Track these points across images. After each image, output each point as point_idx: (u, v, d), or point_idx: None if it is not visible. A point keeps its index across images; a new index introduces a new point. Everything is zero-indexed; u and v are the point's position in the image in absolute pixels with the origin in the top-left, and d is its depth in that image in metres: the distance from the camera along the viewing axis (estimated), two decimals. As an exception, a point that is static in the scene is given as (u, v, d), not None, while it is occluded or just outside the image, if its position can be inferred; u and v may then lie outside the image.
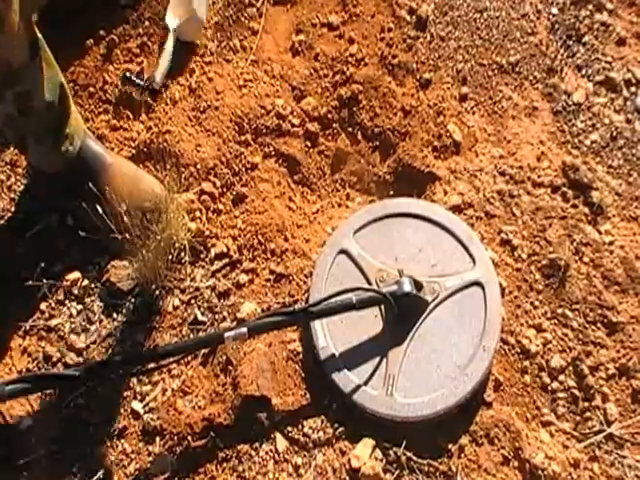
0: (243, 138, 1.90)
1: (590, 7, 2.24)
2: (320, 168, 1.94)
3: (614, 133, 2.06)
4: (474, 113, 2.03)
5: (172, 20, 1.98)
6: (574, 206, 1.91)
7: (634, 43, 2.21)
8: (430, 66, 2.08)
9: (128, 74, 1.89)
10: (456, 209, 1.89)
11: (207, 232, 1.76)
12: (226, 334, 1.49)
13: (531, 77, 2.10)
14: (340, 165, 1.95)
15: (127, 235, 1.58)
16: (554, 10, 2.23)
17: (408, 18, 2.14)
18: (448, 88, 2.05)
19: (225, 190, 1.85)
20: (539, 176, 1.96)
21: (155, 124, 1.89)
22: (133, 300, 1.69)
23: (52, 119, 1.60)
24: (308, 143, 1.94)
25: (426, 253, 1.77)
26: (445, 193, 1.91)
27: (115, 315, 1.69)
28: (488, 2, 2.21)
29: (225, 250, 1.76)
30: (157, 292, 1.69)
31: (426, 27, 2.14)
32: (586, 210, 1.91)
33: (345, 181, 1.95)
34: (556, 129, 2.05)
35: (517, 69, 2.10)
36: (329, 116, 1.97)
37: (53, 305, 1.71)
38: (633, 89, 2.12)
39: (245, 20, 2.08)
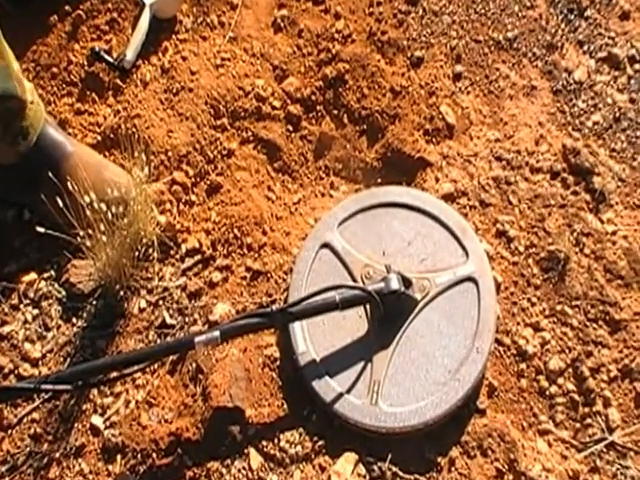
0: (219, 122, 1.68)
1: (592, -21, 2.00)
2: (302, 154, 1.71)
3: (617, 114, 1.85)
4: (469, 93, 1.80)
5: (147, -5, 1.75)
6: (575, 193, 1.70)
7: (638, 17, 1.98)
8: (422, 43, 1.86)
9: (97, 48, 1.66)
10: (448, 198, 1.68)
11: (178, 226, 1.55)
12: (196, 339, 1.30)
13: (530, 54, 1.87)
14: (324, 151, 1.73)
15: (89, 231, 1.37)
16: (554, -18, 1.98)
17: (399, -9, 1.90)
18: (441, 67, 1.83)
19: (199, 180, 1.63)
20: (537, 161, 1.74)
21: (124, 107, 1.67)
22: (95, 302, 1.48)
23: (2, 112, 1.38)
24: (290, 127, 1.72)
25: (416, 246, 1.56)
26: (437, 180, 1.70)
27: (75, 320, 1.49)
28: (485, -27, 1.97)
29: (197, 246, 1.55)
30: (121, 293, 1.48)
31: (418, 1, 1.91)
32: (587, 197, 1.70)
33: (329, 168, 1.73)
34: (556, 110, 1.82)
35: (515, 45, 1.87)
36: (313, 98, 1.75)
37: (6, 310, 1.50)
38: (637, 66, 1.90)
39: (224, -6, 1.84)
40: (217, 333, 1.32)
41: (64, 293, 1.49)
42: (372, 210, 1.63)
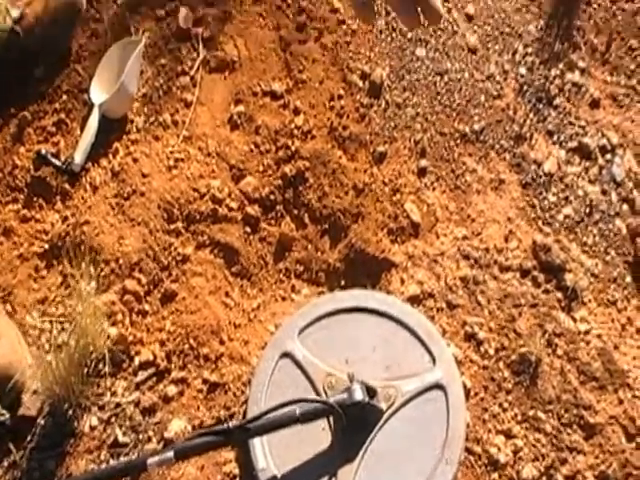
0: (173, 227, 1.86)
1: (561, 66, 2.24)
2: (261, 257, 1.89)
3: (589, 206, 2.05)
4: (434, 189, 2.00)
5: (97, 94, 1.95)
6: (546, 291, 1.88)
7: (608, 105, 2.20)
8: (385, 137, 2.06)
9: (44, 151, 1.84)
10: (414, 300, 1.85)
11: (130, 338, 1.70)
12: (149, 460, 1.42)
13: (497, 146, 2.08)
14: (284, 253, 1.91)
15: (34, 348, 1.51)
16: (522, 70, 2.22)
17: (360, 84, 2.12)
18: (405, 162, 2.03)
19: (152, 288, 1.80)
20: (507, 258, 1.92)
21: (72, 214, 1.84)
22: (43, 421, 1.61)
23: None
24: (248, 229, 1.90)
25: (381, 353, 1.72)
26: (402, 282, 1.87)
27: (21, 440, 1.62)
28: (449, 63, 2.20)
29: (151, 358, 1.71)
30: (71, 411, 1.62)
31: (380, 93, 2.11)
32: (559, 295, 1.88)
33: (290, 271, 1.90)
34: (525, 204, 2.02)
35: (482, 137, 2.08)
36: (272, 197, 1.93)
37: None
38: (608, 156, 2.11)
39: (177, 91, 2.05)
40: (171, 454, 1.44)
41: (7, 415, 1.62)
42: (334, 316, 1.79)
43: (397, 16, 0.70)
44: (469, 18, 2.27)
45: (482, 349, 1.82)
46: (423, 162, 2.06)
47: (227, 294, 1.84)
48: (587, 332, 1.86)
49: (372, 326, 1.77)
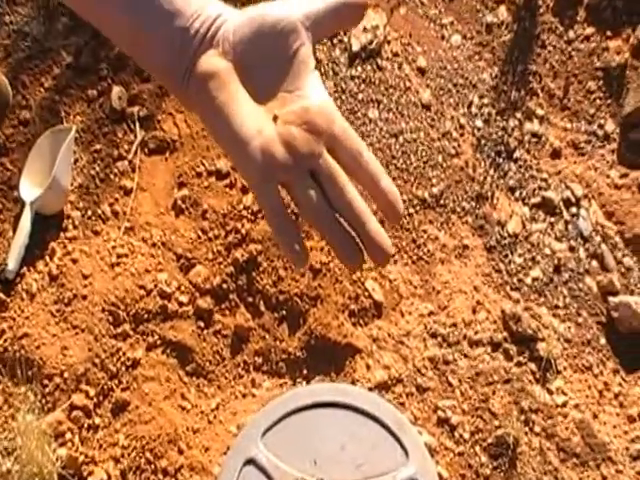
0: (120, 330, 1.84)
1: (519, 115, 2.25)
2: (217, 352, 1.87)
3: (557, 266, 2.06)
4: (396, 262, 2.00)
5: (28, 191, 1.92)
6: (519, 364, 1.88)
7: (570, 153, 2.22)
8: (338, 210, 2.02)
9: (-27, 259, 1.82)
10: (382, 387, 1.84)
11: (81, 458, 1.68)
12: None
13: (458, 209, 2.08)
14: (241, 345, 1.89)
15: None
16: (479, 123, 2.22)
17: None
18: None
19: (102, 399, 1.77)
20: (476, 332, 1.93)
21: (9, 326, 1.82)
22: None
23: None
24: (201, 324, 1.88)
25: (350, 451, 1.70)
26: (368, 368, 1.86)
27: None
28: (403, 123, 2.21)
29: (105, 478, 1.67)
30: None
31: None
32: (533, 366, 1.88)
33: (249, 364, 1.89)
34: (491, 269, 2.02)
35: (442, 201, 2.08)
36: (224, 286, 1.92)
37: None
38: (574, 209, 2.12)
39: (115, 178, 2.03)
40: None
41: None
42: (298, 414, 1.77)
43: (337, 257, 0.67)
44: (421, 72, 2.28)
45: (456, 434, 1.81)
46: None
47: (183, 396, 1.82)
48: (564, 404, 1.86)
49: (339, 422, 1.75)
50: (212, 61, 0.64)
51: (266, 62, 0.65)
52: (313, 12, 0.66)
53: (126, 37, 0.67)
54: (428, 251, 2.05)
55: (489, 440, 1.81)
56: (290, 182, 0.63)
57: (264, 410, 1.77)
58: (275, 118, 0.64)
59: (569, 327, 1.97)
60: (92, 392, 1.81)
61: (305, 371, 1.92)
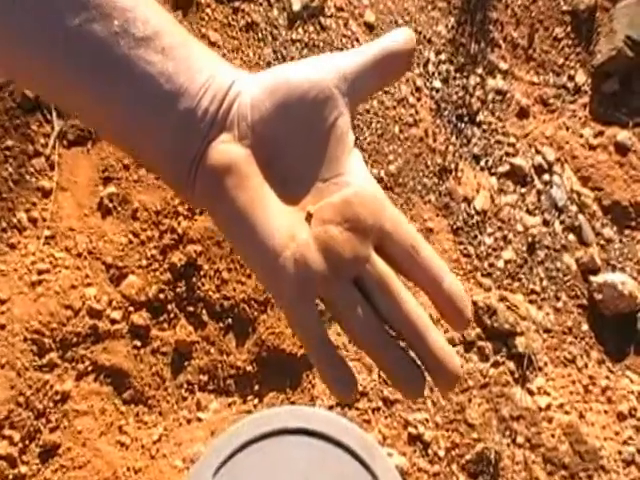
0: (45, 360, 1.54)
1: (480, 71, 1.94)
2: (157, 374, 1.59)
3: (531, 244, 1.76)
4: None
5: None
6: (496, 364, 1.61)
7: (538, 111, 1.92)
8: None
9: None
10: (345, 403, 1.54)
11: (6, 522, 1.39)
12: None
13: (419, 187, 1.78)
14: (183, 363, 1.61)
15: None
16: (437, 83, 1.92)
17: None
18: None
19: (28, 443, 1.49)
20: (446, 330, 1.63)
21: None
22: None
23: None
24: (137, 342, 1.59)
25: (313, 484, 1.42)
26: (328, 382, 1.56)
27: None
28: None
29: (36, 541, 1.39)
30: None
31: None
32: (511, 365, 1.62)
33: (193, 384, 1.60)
34: (459, 254, 1.74)
35: (400, 180, 1.78)
36: (161, 297, 1.62)
37: None
38: (546, 177, 1.83)
39: (31, 178, 1.70)
40: None
41: None
42: (254, 444, 1.49)
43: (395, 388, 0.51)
44: (369, 28, 1.95)
45: (430, 452, 1.55)
46: None
47: (121, 429, 1.54)
48: (548, 407, 1.61)
49: (300, 450, 1.47)
50: (226, 149, 0.49)
51: (295, 145, 0.51)
52: (350, 70, 0.51)
53: (110, 127, 0.50)
54: None
55: (467, 457, 1.55)
56: (330, 296, 0.50)
57: (214, 445, 1.49)
58: (309, 217, 0.50)
59: (548, 314, 1.71)
60: (17, 437, 1.51)
61: (257, 387, 1.64)
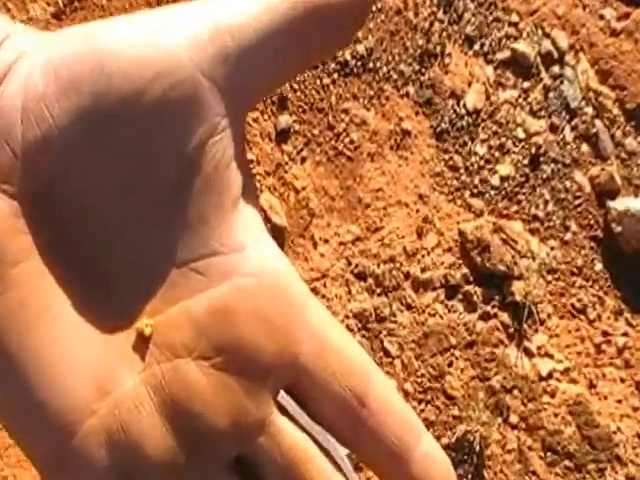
0: None
1: None
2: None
3: (535, 155, 1.37)
4: (304, 161, 1.27)
5: None
6: (486, 316, 1.23)
7: (550, -18, 1.47)
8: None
9: None
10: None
11: None
12: None
13: (395, 75, 1.39)
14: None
15: None
16: (420, -60, 1.41)
17: None
18: (256, 120, 1.23)
19: None
20: (423, 269, 1.23)
21: None
22: None
23: None
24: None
25: None
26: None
27: None
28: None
29: None
30: None
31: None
32: (505, 318, 1.22)
33: None
34: (443, 166, 1.32)
35: (371, 64, 1.39)
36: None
37: None
38: (556, 69, 1.47)
39: None
40: None
41: None
42: None
43: None
44: None
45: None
46: (284, 118, 1.23)
47: None
48: (550, 375, 1.19)
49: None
50: None
51: (118, 198, 0.25)
52: (239, 37, 0.25)
53: None
54: (351, 142, 1.32)
55: (444, 440, 1.12)
56: None
57: None
58: (143, 341, 0.25)
59: (553, 249, 1.28)
60: None
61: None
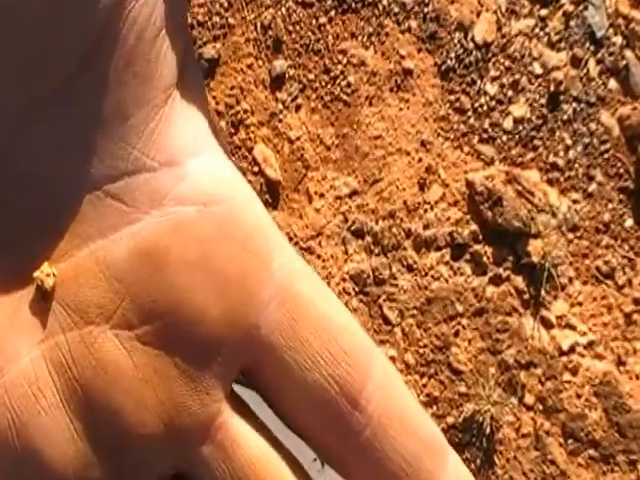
0: None
1: None
2: None
3: (554, 93, 1.16)
4: (298, 109, 1.19)
5: None
6: (497, 280, 1.12)
7: None
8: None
9: None
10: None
11: None
12: None
13: (396, 8, 1.25)
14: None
15: None
16: None
17: None
18: (250, 66, 1.18)
19: None
20: (426, 225, 1.12)
21: None
22: None
23: None
24: None
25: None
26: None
27: None
28: None
29: None
30: None
31: None
32: (519, 282, 1.11)
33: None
34: (449, 108, 1.21)
35: (367, -3, 1.17)
36: None
37: None
38: (581, -7, 1.26)
39: None
40: None
41: None
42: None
43: None
44: None
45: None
46: (278, 63, 1.10)
47: None
48: (572, 349, 1.03)
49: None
50: None
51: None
52: None
53: None
54: (348, 85, 1.15)
55: (449, 420, 0.97)
56: None
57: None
58: (45, 295, 0.18)
59: (575, 201, 1.14)
60: None
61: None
